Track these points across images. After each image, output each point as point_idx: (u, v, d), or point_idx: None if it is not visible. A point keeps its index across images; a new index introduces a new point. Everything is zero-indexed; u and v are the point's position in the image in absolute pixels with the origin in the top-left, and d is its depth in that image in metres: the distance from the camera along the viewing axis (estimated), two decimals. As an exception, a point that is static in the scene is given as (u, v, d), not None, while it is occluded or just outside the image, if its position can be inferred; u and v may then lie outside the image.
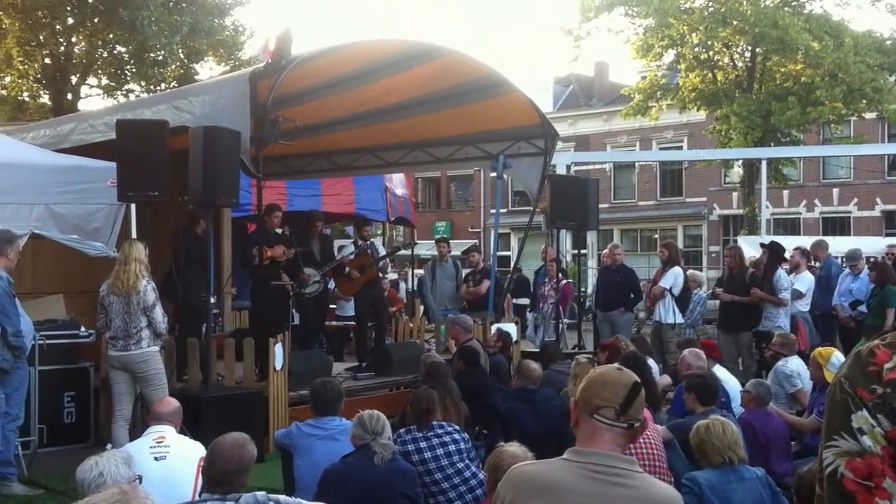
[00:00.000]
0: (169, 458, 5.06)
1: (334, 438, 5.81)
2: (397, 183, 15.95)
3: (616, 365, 3.07)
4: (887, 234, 29.40)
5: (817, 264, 12.66)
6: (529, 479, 2.74)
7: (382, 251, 12.28)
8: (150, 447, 5.11)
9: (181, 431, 5.49)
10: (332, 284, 11.99)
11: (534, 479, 2.73)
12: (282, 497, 3.89)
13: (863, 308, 11.51)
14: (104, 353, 8.16)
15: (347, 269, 11.26)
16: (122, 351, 7.55)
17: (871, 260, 12.26)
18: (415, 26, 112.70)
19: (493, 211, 13.91)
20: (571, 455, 2.73)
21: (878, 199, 35.09)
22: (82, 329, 8.86)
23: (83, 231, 8.40)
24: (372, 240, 12.22)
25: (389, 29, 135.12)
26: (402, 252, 16.37)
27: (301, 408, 7.97)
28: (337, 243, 14.12)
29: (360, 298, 11.56)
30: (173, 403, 5.61)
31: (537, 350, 11.17)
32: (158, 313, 7.60)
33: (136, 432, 6.89)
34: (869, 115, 27.23)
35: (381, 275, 12.84)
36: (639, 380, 2.80)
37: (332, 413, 6.05)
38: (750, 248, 13.82)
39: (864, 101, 24.82)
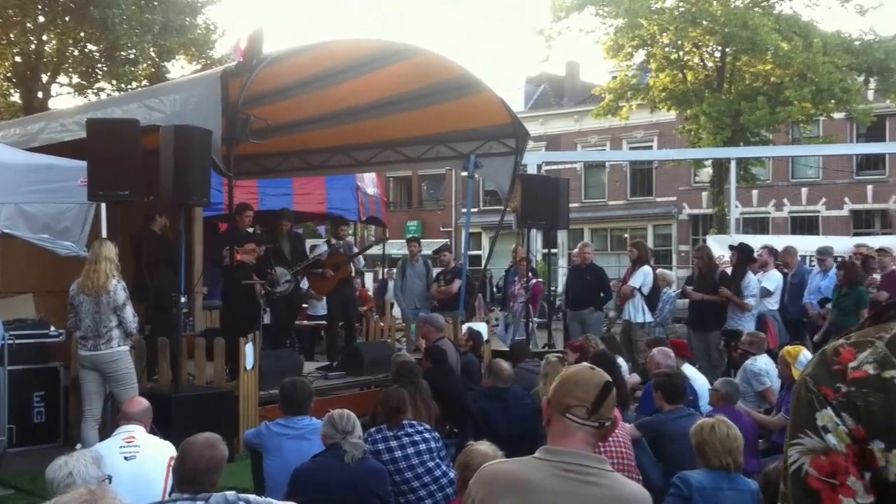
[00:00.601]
0: (139, 457, 5.04)
1: (304, 438, 5.81)
2: (369, 182, 15.94)
3: (588, 364, 3.11)
4: (855, 234, 29.70)
5: (787, 271, 12.71)
6: (501, 477, 2.77)
7: (356, 250, 12.26)
8: (120, 447, 5.09)
9: (151, 431, 5.48)
10: (305, 283, 11.95)
11: (505, 478, 2.76)
12: (252, 497, 3.90)
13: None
14: (74, 352, 8.10)
15: (322, 268, 11.25)
16: (92, 351, 7.51)
17: (839, 259, 12.37)
18: (386, 26, 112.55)
19: (465, 210, 13.92)
20: (543, 454, 2.76)
21: (846, 199, 35.42)
22: (52, 329, 8.81)
23: (53, 230, 8.34)
24: (345, 239, 12.20)
25: (361, 29, 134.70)
26: (374, 251, 16.36)
27: (271, 407, 7.95)
28: (308, 243, 14.09)
29: (332, 297, 11.56)
30: (143, 403, 5.59)
31: (506, 349, 11.23)
32: (129, 313, 7.57)
33: (105, 432, 6.86)
34: (837, 116, 27.42)
35: (353, 274, 12.81)
36: (610, 379, 2.84)
37: (302, 412, 6.04)
38: (719, 247, 13.91)
39: (832, 101, 24.99)
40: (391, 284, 14.89)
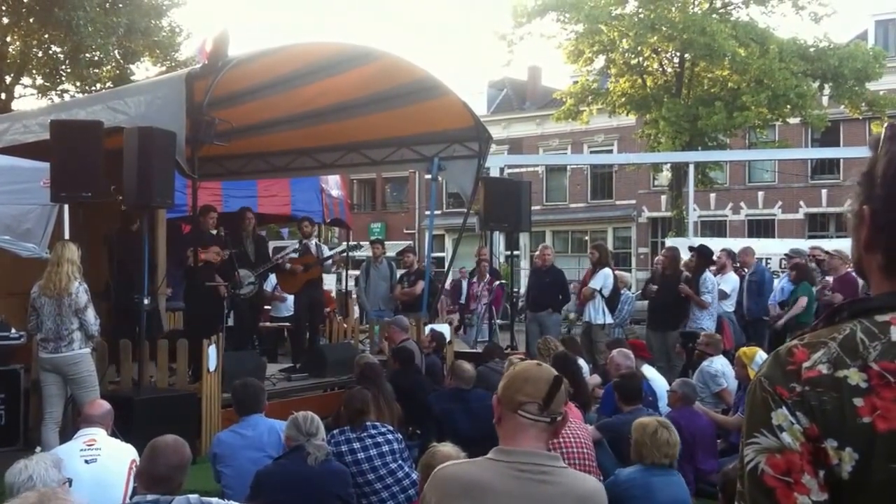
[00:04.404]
0: (100, 460, 5.01)
1: (259, 449, 5.81)
2: (333, 184, 15.90)
3: (536, 361, 3.14)
4: (810, 237, 30.09)
5: (746, 270, 12.85)
6: (455, 479, 2.77)
7: (327, 251, 12.20)
8: (81, 450, 5.05)
9: (112, 434, 5.44)
10: (269, 285, 11.85)
11: (459, 480, 2.75)
12: (214, 500, 3.92)
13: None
14: (35, 355, 8.02)
15: (290, 265, 11.21)
16: (54, 353, 7.43)
17: (794, 261, 12.52)
18: (351, 30, 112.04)
19: (428, 212, 13.95)
20: (497, 454, 2.76)
21: (801, 203, 35.82)
22: (13, 331, 8.70)
23: (15, 232, 8.27)
24: (316, 240, 12.13)
25: (326, 32, 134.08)
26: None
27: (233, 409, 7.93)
28: (272, 244, 14.02)
29: (299, 298, 11.52)
30: (104, 406, 5.55)
31: (470, 350, 11.27)
32: (90, 315, 7.50)
33: (66, 435, 6.80)
34: (793, 121, 27.73)
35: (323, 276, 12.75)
36: (559, 374, 2.87)
37: (255, 410, 6.06)
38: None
39: (788, 106, 25.27)
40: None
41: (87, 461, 4.98)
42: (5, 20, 23.57)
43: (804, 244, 15.78)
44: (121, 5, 23.41)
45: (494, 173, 17.16)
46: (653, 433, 5.04)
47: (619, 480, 4.93)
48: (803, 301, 11.15)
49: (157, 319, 9.99)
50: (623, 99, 27.81)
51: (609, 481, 4.98)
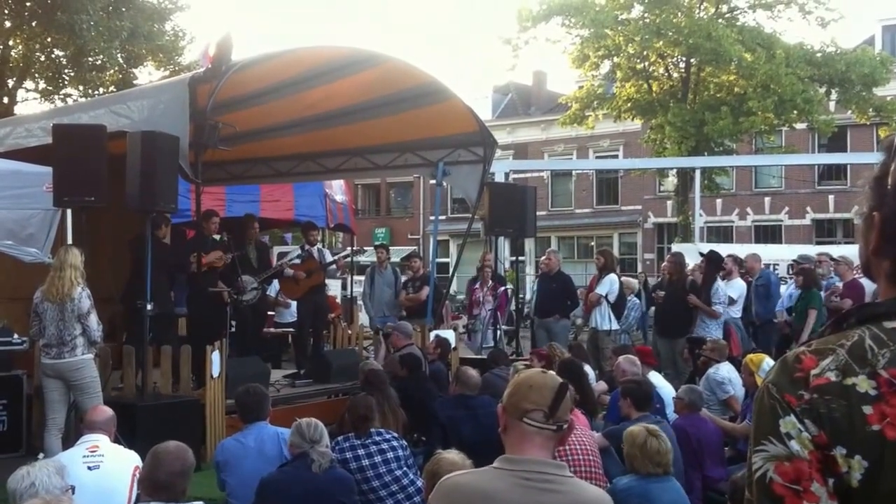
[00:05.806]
0: (103, 467, 4.99)
1: (261, 454, 5.78)
2: (337, 189, 15.88)
3: (540, 368, 3.11)
4: (817, 243, 30.01)
5: (751, 278, 12.79)
6: (460, 490, 2.74)
7: (329, 257, 12.20)
8: (84, 456, 5.04)
9: (115, 440, 5.43)
10: (272, 291, 11.83)
11: (465, 490, 2.72)
12: (219, 507, 3.89)
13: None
14: (37, 360, 8.00)
15: (293, 271, 11.21)
16: (56, 359, 7.41)
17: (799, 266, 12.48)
18: (354, 34, 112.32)
19: (433, 218, 13.89)
20: (502, 463, 2.74)
21: (808, 208, 35.76)
22: (15, 336, 8.68)
23: (18, 237, 8.26)
24: (318, 245, 12.13)
25: (330, 36, 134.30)
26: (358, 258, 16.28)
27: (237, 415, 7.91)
28: (277, 250, 13.98)
29: (303, 304, 11.51)
30: (107, 412, 5.54)
31: (475, 356, 11.22)
32: (93, 321, 7.48)
33: (69, 441, 6.78)
34: (799, 126, 27.66)
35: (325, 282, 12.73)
36: (564, 381, 2.84)
37: (260, 417, 6.03)
38: (685, 255, 13.96)
39: (794, 111, 25.22)
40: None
41: (89, 468, 4.96)
42: (8, 24, 23.68)
43: (811, 250, 15.72)
44: (124, 9, 23.49)
45: (499, 178, 17.15)
46: (642, 444, 5.01)
47: (616, 490, 4.89)
48: (813, 315, 11.01)
49: (174, 326, 10.01)
50: (629, 104, 27.78)
51: (606, 490, 4.95)
